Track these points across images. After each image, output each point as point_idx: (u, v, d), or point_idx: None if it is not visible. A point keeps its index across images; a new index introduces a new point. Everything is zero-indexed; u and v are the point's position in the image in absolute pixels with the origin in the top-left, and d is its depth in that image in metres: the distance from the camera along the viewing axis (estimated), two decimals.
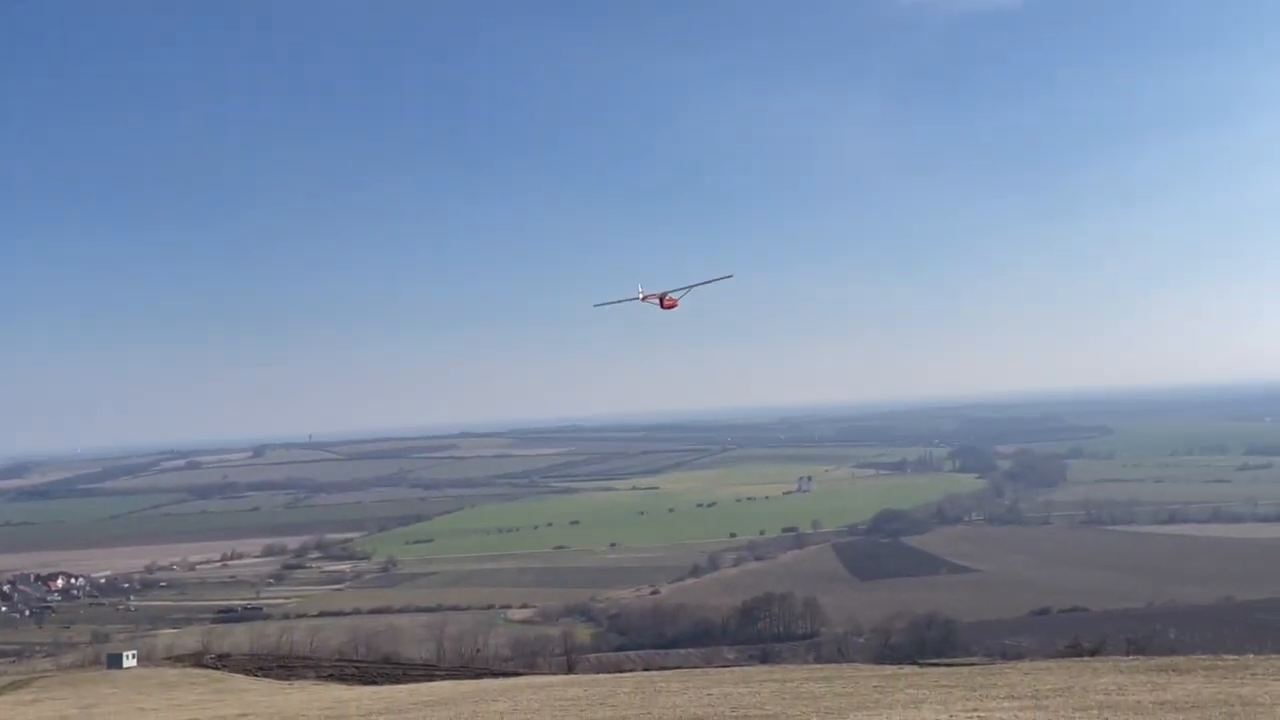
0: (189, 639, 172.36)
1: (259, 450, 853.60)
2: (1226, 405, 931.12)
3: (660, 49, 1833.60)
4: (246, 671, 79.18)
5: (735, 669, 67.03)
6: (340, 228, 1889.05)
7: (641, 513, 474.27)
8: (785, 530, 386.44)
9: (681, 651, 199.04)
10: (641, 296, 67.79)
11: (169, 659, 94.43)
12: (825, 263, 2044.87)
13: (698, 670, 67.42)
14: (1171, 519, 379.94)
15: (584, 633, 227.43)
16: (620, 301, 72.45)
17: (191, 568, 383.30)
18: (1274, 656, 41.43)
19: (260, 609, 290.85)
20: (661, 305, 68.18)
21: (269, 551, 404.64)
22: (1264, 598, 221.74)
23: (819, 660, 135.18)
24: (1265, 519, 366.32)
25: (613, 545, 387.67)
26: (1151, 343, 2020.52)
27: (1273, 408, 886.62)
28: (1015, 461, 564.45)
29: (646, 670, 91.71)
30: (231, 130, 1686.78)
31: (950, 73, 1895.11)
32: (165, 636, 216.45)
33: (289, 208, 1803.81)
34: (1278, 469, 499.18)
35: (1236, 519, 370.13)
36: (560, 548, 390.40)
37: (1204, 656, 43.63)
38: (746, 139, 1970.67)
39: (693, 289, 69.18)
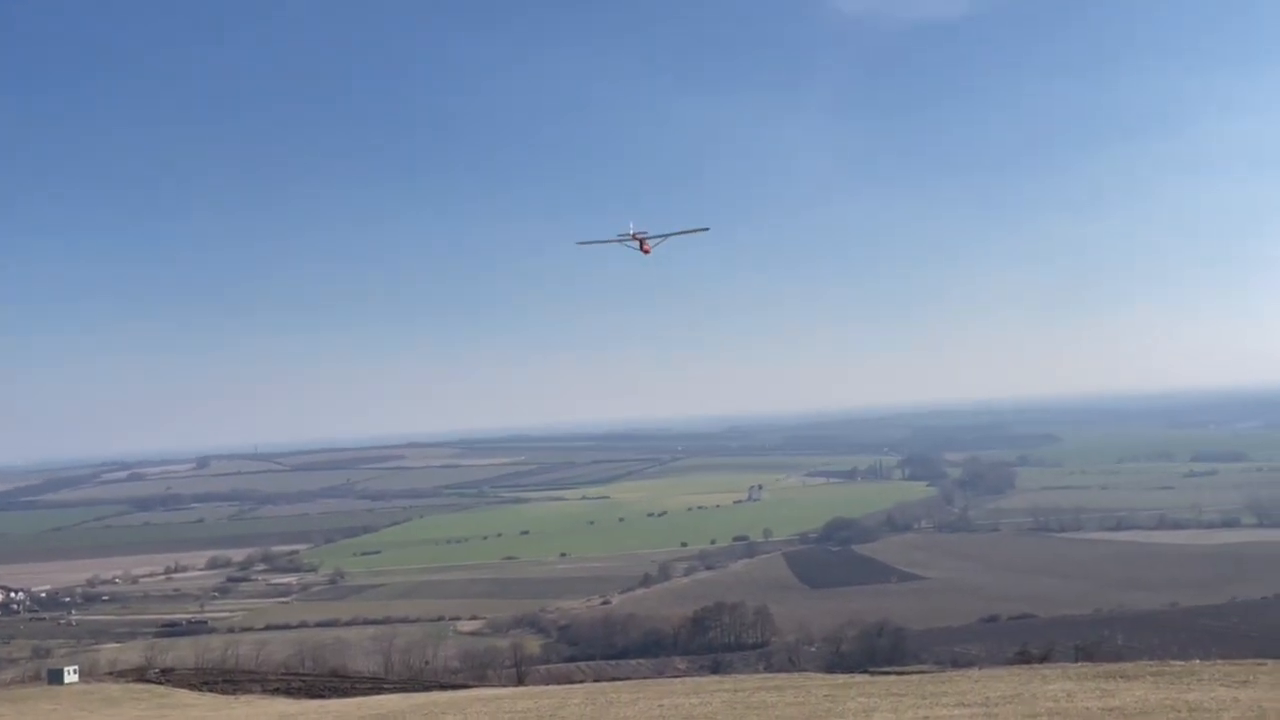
0: (132, 654, 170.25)
1: (203, 461, 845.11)
2: (1172, 413, 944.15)
3: (609, 61, 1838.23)
4: (191, 686, 77.90)
5: (687, 679, 66.83)
6: (282, 235, 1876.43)
7: (591, 522, 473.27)
8: (736, 539, 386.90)
9: (632, 662, 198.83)
10: (632, 234, 69.57)
11: (112, 674, 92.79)
12: (775, 271, 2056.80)
13: (649, 681, 67.17)
14: (1118, 526, 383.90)
15: (534, 644, 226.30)
16: (605, 242, 73.56)
17: (135, 581, 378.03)
18: (1220, 662, 41.68)
19: (205, 623, 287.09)
20: (641, 248, 69.75)
21: (214, 564, 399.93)
22: (1209, 603, 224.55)
23: (770, 669, 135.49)
24: (1210, 525, 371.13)
25: (563, 555, 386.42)
26: (1097, 350, 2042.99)
27: (1217, 415, 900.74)
28: (964, 469, 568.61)
29: (597, 681, 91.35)
30: (173, 134, 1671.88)
31: (898, 83, 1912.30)
32: (108, 651, 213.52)
33: (230, 213, 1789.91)
34: (1222, 475, 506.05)
35: (1182, 525, 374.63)
36: (510, 558, 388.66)
37: (1151, 663, 43.86)
38: (697, 149, 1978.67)
39: (668, 238, 70.59)
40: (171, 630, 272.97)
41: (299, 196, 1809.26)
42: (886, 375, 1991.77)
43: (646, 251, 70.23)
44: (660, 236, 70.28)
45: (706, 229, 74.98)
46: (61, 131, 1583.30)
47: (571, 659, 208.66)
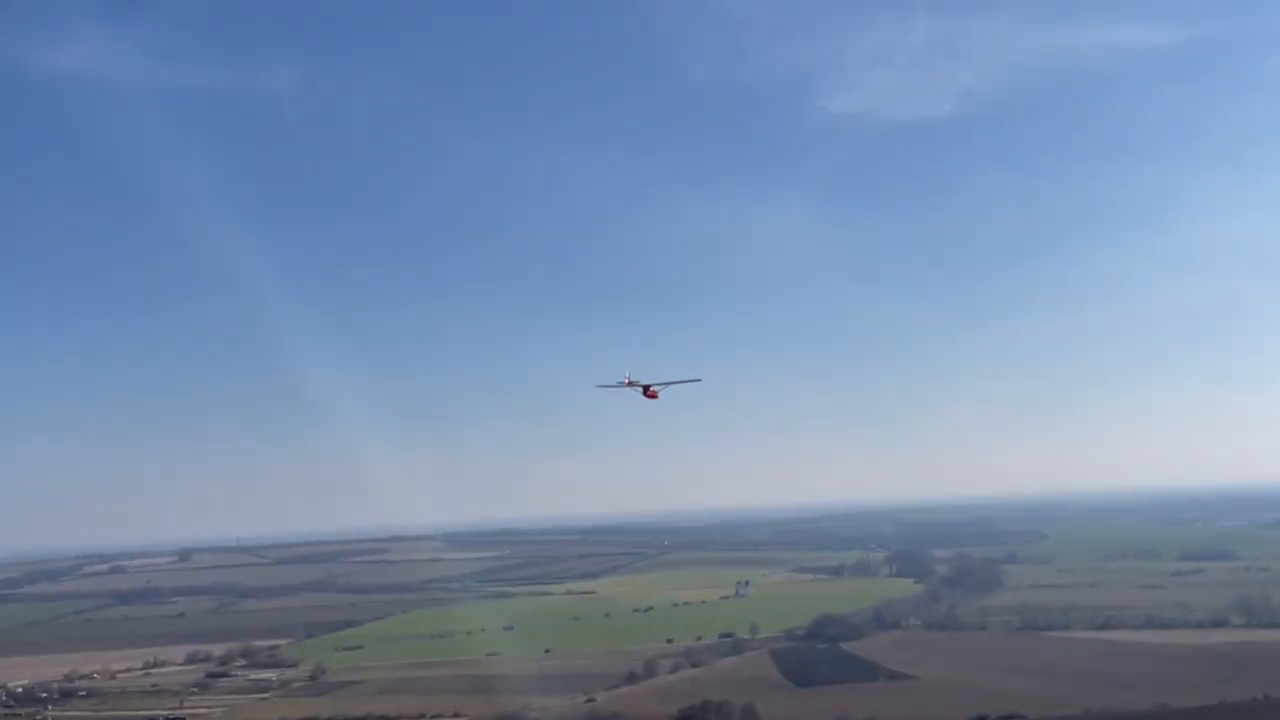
0: None
1: (184, 554, 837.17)
2: (1158, 510, 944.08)
3: (597, 149, 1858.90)
4: None
5: None
6: (262, 328, 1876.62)
7: (577, 618, 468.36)
8: (723, 636, 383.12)
9: None
10: (626, 381, 75.64)
11: None
12: (761, 364, 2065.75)
13: None
14: (1106, 624, 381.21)
15: None
16: (617, 386, 79.41)
17: (113, 676, 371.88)
18: None
19: (183, 719, 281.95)
20: (645, 394, 75.14)
21: (193, 659, 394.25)
22: (1197, 704, 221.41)
23: None
24: (1198, 625, 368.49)
25: (547, 652, 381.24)
26: (1083, 447, 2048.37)
27: (1203, 513, 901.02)
28: (952, 566, 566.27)
29: None
30: (145, 222, 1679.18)
31: (885, 180, 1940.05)
32: None
33: (207, 307, 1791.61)
34: (1210, 574, 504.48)
35: (1169, 625, 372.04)
36: (493, 654, 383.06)
37: None
38: (684, 242, 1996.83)
39: (669, 385, 77.08)
40: None
41: (275, 285, 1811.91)
42: (873, 470, 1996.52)
43: (653, 396, 76.45)
44: (662, 384, 76.69)
45: (699, 379, 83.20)
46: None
47: None
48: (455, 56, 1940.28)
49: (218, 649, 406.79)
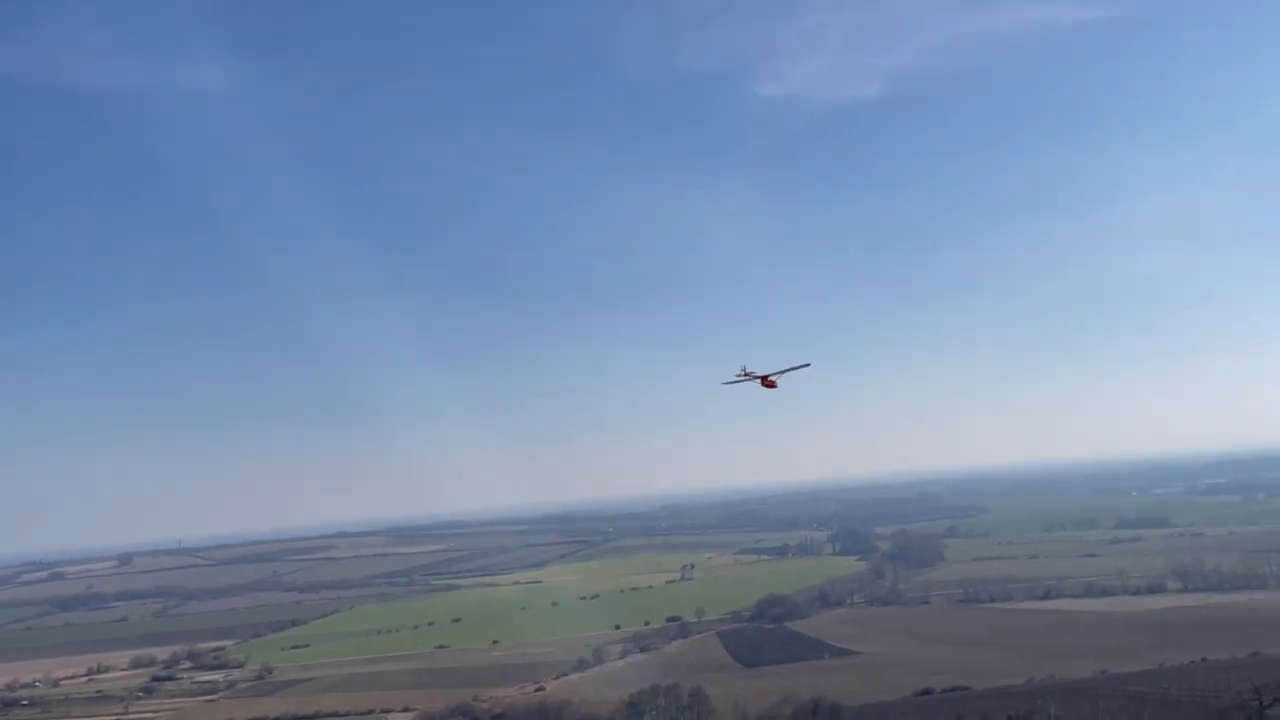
0: None
1: (125, 558, 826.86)
2: (1096, 480, 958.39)
3: (533, 137, 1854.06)
4: None
5: None
6: (201, 328, 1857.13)
7: (524, 607, 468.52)
8: (670, 620, 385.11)
9: None
10: (744, 374, 78.32)
11: None
12: (697, 349, 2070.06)
13: None
14: (1047, 595, 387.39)
15: None
16: (737, 381, 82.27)
17: (55, 684, 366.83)
18: None
19: None
20: (763, 384, 73.20)
21: (137, 663, 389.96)
22: (1137, 669, 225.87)
23: None
24: (1135, 592, 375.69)
25: (495, 642, 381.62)
26: (1020, 422, 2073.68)
27: (1140, 482, 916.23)
28: (894, 542, 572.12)
29: None
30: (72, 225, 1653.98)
31: (817, 162, 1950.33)
32: None
33: (145, 307, 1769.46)
34: (1146, 542, 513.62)
35: (1109, 593, 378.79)
36: (442, 647, 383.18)
37: None
38: (615, 230, 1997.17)
39: (784, 373, 79.55)
40: None
41: (220, 292, 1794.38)
42: (816, 450, 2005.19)
43: (771, 385, 78.87)
44: (778, 373, 79.54)
45: (809, 364, 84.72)
46: None
47: None
48: (386, 51, 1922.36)
49: (162, 652, 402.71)
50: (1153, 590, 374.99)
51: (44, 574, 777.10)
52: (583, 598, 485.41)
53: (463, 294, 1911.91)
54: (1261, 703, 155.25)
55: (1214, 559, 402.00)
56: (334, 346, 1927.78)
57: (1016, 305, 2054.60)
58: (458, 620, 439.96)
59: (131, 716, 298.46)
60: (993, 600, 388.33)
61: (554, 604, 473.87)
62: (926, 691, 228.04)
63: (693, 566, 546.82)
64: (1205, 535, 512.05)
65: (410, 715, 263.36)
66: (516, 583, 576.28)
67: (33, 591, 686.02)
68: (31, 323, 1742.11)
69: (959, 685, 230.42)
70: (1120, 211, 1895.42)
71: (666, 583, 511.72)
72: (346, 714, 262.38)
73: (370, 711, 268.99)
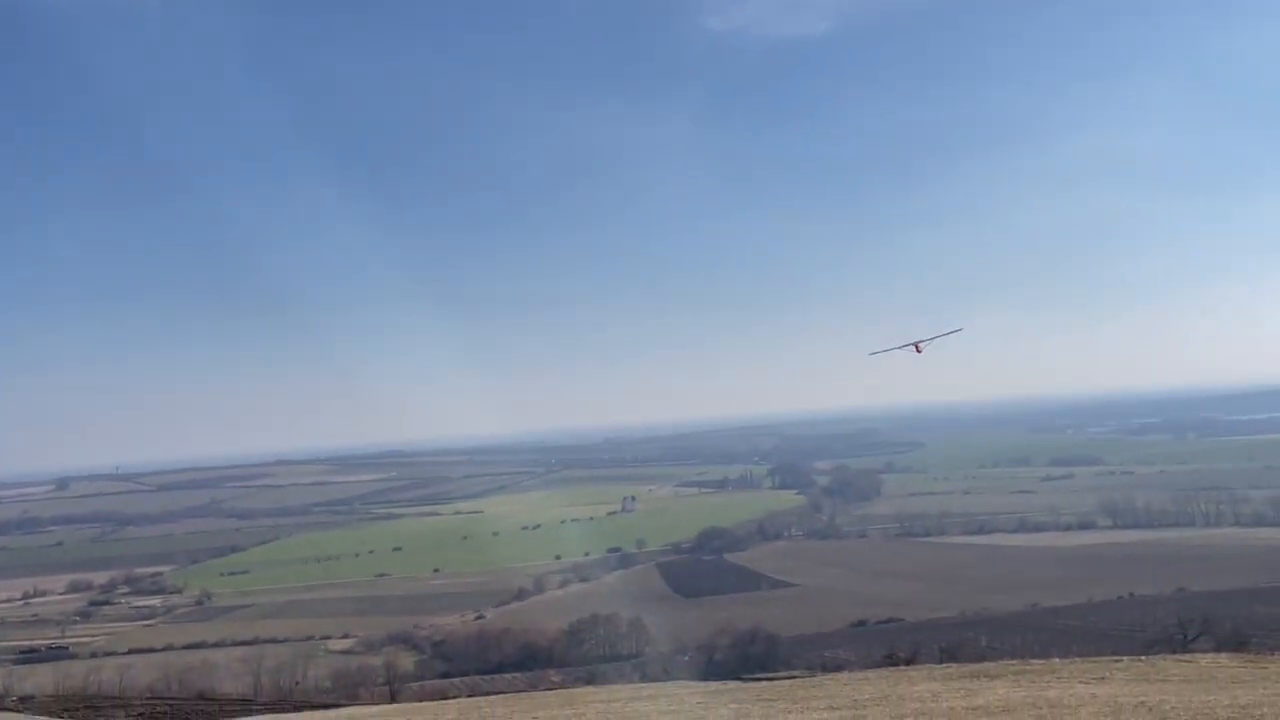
0: None
1: (62, 483, 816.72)
2: (1031, 418, 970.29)
3: (472, 69, 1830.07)
4: (50, 713, 75.26)
5: (561, 691, 66.74)
6: (141, 245, 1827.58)
7: (465, 537, 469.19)
8: (610, 551, 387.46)
9: (507, 676, 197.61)
10: (915, 346, 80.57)
11: None
12: (644, 284, 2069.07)
13: (523, 694, 66.88)
14: (980, 530, 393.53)
15: (407, 661, 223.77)
16: (889, 350, 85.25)
17: None
18: (1077, 660, 43.14)
19: (66, 648, 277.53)
20: (917, 350, 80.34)
21: (74, 588, 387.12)
22: (1067, 604, 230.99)
23: (645, 679, 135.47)
24: (1067, 528, 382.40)
25: (436, 571, 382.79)
26: (958, 359, 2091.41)
27: (1074, 419, 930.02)
28: (832, 477, 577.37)
29: (471, 696, 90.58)
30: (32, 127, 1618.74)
31: (762, 99, 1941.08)
32: None
33: (80, 225, 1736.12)
34: (1079, 479, 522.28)
35: (1041, 528, 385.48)
36: (382, 575, 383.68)
37: (1013, 662, 45.14)
38: (558, 163, 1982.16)
39: (933, 340, 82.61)
40: (30, 657, 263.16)
41: (160, 208, 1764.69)
42: (755, 385, 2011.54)
43: (919, 351, 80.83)
44: (928, 340, 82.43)
45: (960, 329, 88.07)
46: None
47: (446, 675, 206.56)
48: None
49: (99, 577, 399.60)
50: (1084, 527, 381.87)
51: None
52: (524, 528, 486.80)
53: (409, 222, 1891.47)
54: (1185, 636, 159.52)
55: (1144, 497, 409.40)
56: (279, 269, 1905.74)
57: (958, 244, 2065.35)
58: (398, 549, 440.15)
59: (68, 640, 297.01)
60: (928, 535, 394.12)
61: (495, 534, 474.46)
62: (861, 623, 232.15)
63: (634, 499, 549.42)
64: (1136, 473, 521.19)
65: (350, 642, 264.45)
66: (458, 513, 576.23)
67: None
68: None
69: (893, 617, 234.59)
70: (1066, 152, 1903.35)
71: (608, 514, 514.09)
72: (285, 640, 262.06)
73: (310, 638, 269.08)
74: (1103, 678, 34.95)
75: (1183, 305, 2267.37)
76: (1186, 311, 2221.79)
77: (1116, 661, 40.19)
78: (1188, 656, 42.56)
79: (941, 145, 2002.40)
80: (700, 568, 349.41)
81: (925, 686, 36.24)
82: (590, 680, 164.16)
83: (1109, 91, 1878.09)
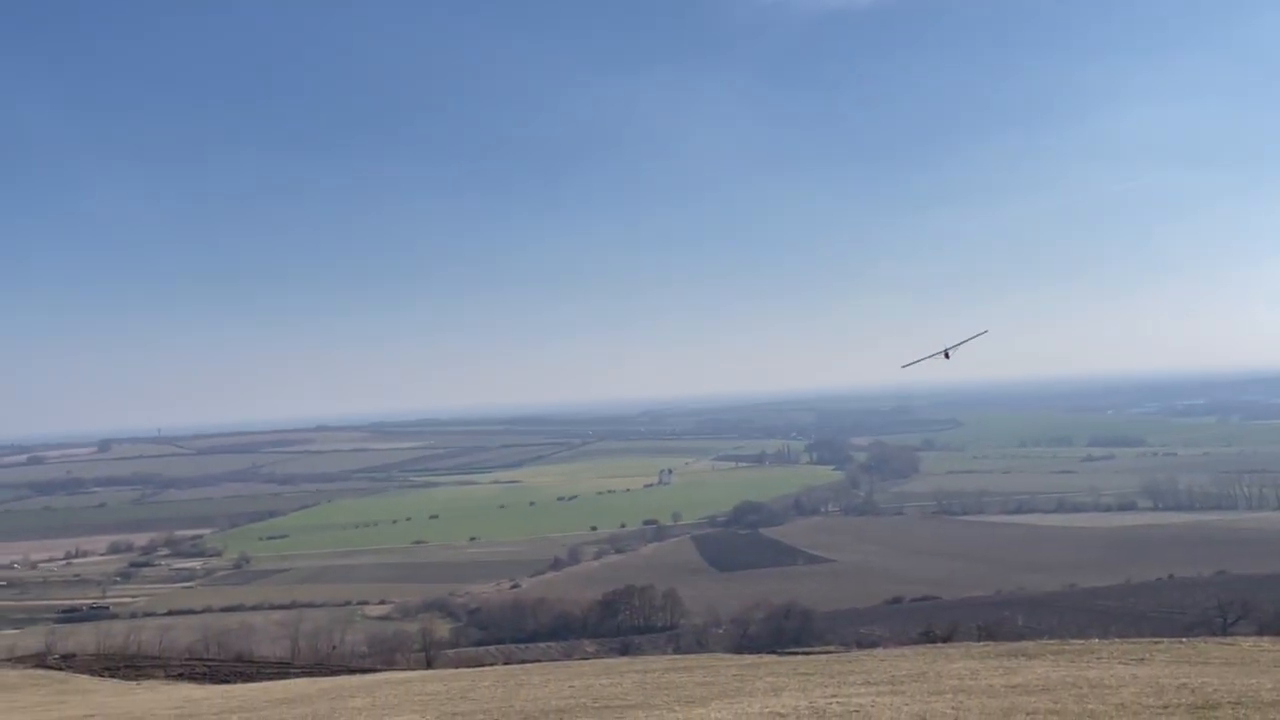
0: (31, 639, 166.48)
1: (105, 445, 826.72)
2: (1072, 398, 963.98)
3: (516, 34, 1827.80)
4: (92, 672, 76.33)
5: (596, 661, 66.97)
6: (190, 210, 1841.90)
7: (502, 506, 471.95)
8: (646, 523, 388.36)
9: (542, 645, 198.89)
10: (944, 354, 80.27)
11: (10, 660, 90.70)
12: (686, 255, 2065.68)
13: (559, 663, 67.16)
14: (1019, 509, 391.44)
15: (443, 628, 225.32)
16: (923, 360, 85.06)
17: (33, 566, 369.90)
18: (1117, 641, 42.76)
19: (106, 608, 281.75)
20: (945, 357, 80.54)
21: (115, 549, 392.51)
22: (1105, 585, 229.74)
23: (679, 651, 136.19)
24: (1107, 509, 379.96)
25: (473, 539, 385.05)
26: (1000, 337, 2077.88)
27: (1114, 400, 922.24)
28: (870, 453, 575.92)
29: (507, 664, 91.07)
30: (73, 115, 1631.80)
31: (807, 70, 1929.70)
32: (6, 637, 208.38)
33: (131, 191, 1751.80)
34: (1120, 460, 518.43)
35: (1080, 509, 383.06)
36: (419, 543, 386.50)
37: (1051, 641, 44.81)
38: (604, 133, 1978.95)
39: (959, 346, 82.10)
40: (72, 616, 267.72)
41: (220, 169, 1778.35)
42: (794, 360, 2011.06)
43: (948, 358, 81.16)
44: (954, 346, 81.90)
45: (986, 332, 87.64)
46: None
47: (481, 643, 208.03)
48: None
49: (140, 539, 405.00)
50: (1124, 508, 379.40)
51: (23, 458, 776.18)
52: (560, 498, 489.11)
53: (448, 189, 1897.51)
54: (1225, 619, 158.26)
55: (1186, 479, 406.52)
56: (322, 241, 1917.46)
57: (999, 221, 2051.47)
58: (435, 517, 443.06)
59: (109, 600, 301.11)
60: (965, 513, 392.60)
61: (531, 504, 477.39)
62: (896, 600, 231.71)
63: (671, 471, 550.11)
64: (1179, 455, 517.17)
65: (387, 608, 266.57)
66: (495, 481, 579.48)
67: (11, 475, 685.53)
68: (27, 198, 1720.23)
69: (929, 595, 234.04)
70: (1108, 127, 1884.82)
71: (644, 486, 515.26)
72: (323, 604, 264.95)
73: (346, 603, 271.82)
74: (1142, 659, 34.62)
75: (1228, 284, 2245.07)
76: (1232, 291, 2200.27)
77: (1156, 643, 39.80)
78: (1229, 639, 42.10)
79: (981, 119, 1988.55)
80: (736, 541, 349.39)
81: (963, 664, 36.05)
82: (624, 651, 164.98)
83: (1153, 64, 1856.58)
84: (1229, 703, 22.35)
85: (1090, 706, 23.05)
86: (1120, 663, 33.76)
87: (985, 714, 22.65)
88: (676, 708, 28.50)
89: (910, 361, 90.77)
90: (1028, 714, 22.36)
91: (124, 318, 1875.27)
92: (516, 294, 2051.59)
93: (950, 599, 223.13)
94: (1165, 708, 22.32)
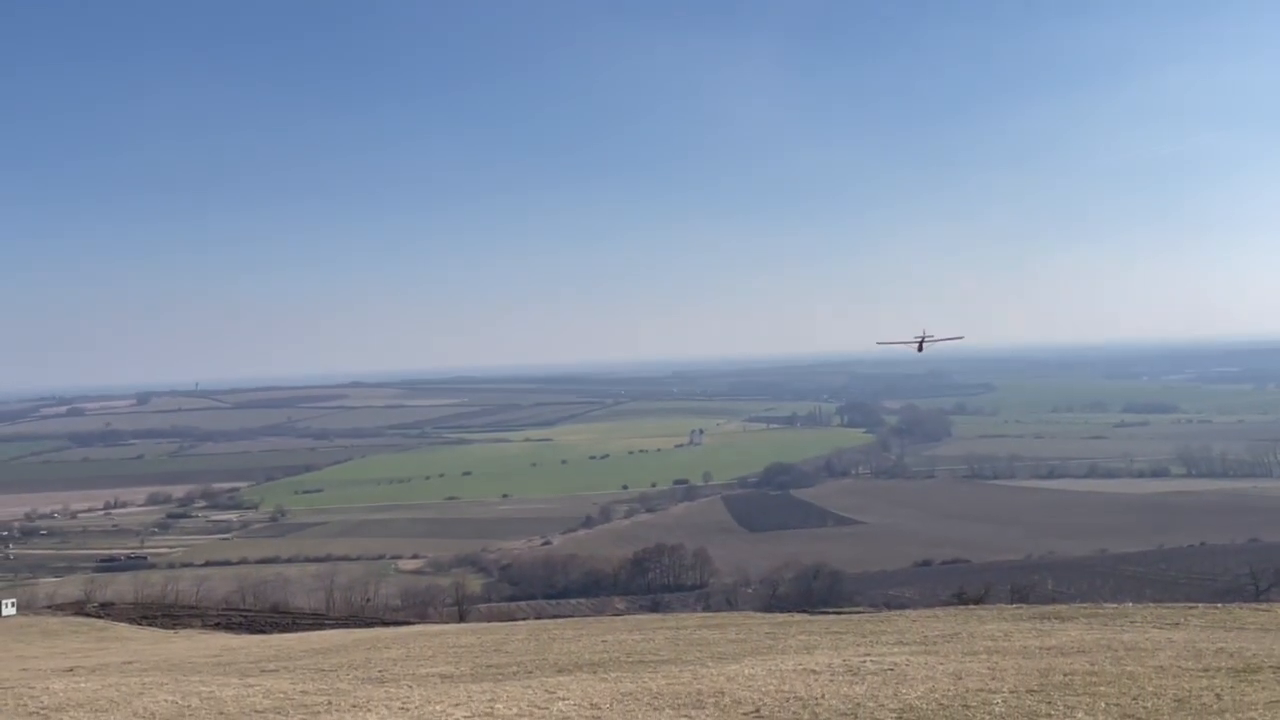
0: (70, 588, 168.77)
1: (143, 397, 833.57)
2: (1105, 364, 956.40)
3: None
4: (130, 620, 77.53)
5: (628, 617, 67.46)
6: (227, 171, 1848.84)
7: (534, 464, 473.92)
8: (677, 482, 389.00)
9: (572, 601, 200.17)
10: (918, 345, 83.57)
11: (50, 607, 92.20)
12: (720, 217, 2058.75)
13: (590, 619, 67.71)
14: (1050, 474, 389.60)
15: (475, 583, 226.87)
16: (897, 343, 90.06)
17: (73, 516, 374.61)
18: (1151, 605, 42.73)
19: (144, 558, 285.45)
20: (919, 349, 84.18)
21: (153, 500, 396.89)
22: (1135, 550, 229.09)
23: (709, 610, 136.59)
24: (1139, 475, 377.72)
25: (505, 496, 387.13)
26: (1033, 302, 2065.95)
27: (1150, 367, 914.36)
28: (901, 417, 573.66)
29: (539, 619, 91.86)
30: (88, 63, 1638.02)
31: (844, 32, 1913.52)
32: (46, 585, 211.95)
33: (172, 147, 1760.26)
34: (1154, 426, 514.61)
35: (1112, 474, 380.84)
36: (452, 499, 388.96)
37: (1084, 605, 44.83)
38: (637, 88, 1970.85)
39: (938, 342, 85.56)
40: (110, 565, 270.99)
41: (245, 126, 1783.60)
42: (828, 323, 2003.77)
43: (920, 350, 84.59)
44: (932, 340, 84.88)
45: (961, 337, 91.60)
46: None
47: (512, 598, 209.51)
48: None
49: (177, 491, 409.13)
50: (1157, 474, 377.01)
51: (62, 409, 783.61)
52: (592, 457, 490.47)
53: (481, 149, 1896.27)
54: (1258, 586, 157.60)
55: (1220, 446, 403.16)
56: (353, 200, 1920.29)
57: (1035, 184, 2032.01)
58: (468, 473, 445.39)
59: (146, 550, 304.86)
60: (996, 477, 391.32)
61: (563, 462, 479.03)
62: (926, 563, 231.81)
63: (702, 432, 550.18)
64: (1213, 422, 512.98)
65: (419, 562, 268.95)
66: (527, 439, 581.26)
67: (51, 425, 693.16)
68: (45, 159, 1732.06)
69: (958, 558, 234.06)
70: (1144, 89, 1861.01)
71: (675, 447, 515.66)
72: (357, 558, 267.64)
73: (380, 557, 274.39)
74: (1177, 624, 34.60)
75: (1265, 249, 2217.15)
76: (1270, 255, 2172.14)
77: (1191, 608, 39.74)
78: (1265, 606, 41.99)
79: (1024, 81, 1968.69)
80: (766, 502, 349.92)
81: (995, 625, 36.13)
82: (654, 608, 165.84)
83: (1206, 25, 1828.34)
84: (1270, 666, 22.33)
85: (1129, 668, 23.07)
86: (1155, 627, 33.77)
87: (1021, 674, 22.71)
88: (709, 663, 28.72)
89: (886, 341, 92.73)
90: (1064, 675, 22.40)
91: (163, 273, 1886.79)
92: (550, 253, 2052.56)
93: (980, 562, 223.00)
94: (1205, 671, 22.32)
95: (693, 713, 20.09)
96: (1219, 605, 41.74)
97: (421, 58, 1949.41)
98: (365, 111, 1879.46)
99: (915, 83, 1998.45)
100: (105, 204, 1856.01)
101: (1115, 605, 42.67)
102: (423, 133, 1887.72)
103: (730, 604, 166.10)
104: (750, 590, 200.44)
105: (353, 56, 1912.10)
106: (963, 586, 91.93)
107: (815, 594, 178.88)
